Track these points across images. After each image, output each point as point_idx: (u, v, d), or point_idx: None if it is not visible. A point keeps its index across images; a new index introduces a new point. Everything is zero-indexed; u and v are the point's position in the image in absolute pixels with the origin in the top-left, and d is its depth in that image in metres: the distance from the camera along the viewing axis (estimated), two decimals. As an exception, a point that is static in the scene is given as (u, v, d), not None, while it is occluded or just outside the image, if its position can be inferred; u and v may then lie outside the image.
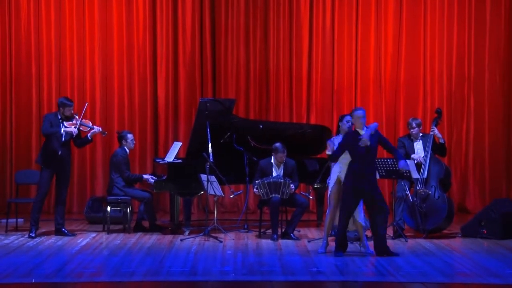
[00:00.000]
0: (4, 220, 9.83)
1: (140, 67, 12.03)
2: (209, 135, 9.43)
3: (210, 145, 9.37)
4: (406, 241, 8.81)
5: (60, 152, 9.11)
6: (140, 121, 12.01)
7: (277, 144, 9.21)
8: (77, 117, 9.25)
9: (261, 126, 10.09)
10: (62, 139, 9.12)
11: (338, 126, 8.58)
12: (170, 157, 9.75)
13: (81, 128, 9.26)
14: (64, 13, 11.89)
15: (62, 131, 9.11)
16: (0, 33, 11.84)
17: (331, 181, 8.29)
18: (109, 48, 11.99)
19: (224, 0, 12.05)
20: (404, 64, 12.11)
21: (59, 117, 9.21)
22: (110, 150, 11.58)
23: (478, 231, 9.16)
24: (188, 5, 12.03)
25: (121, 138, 9.86)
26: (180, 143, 10.11)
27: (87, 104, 9.87)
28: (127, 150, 9.83)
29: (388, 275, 7.03)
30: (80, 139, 9.39)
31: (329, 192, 8.32)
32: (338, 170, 8.15)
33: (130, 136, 9.91)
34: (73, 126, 9.13)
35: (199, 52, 12.09)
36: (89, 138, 9.39)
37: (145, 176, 9.73)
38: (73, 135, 9.12)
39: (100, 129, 9.46)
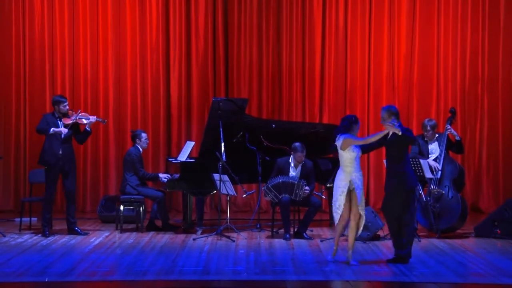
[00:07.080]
0: (18, 219, 9.89)
1: (153, 66, 12.06)
2: (221, 134, 9.43)
3: (222, 144, 9.37)
4: (419, 241, 8.77)
5: (60, 152, 9.12)
6: (153, 120, 12.03)
7: (297, 144, 9.18)
8: (73, 112, 9.27)
9: (273, 125, 10.07)
10: (61, 136, 9.12)
11: None
12: (183, 157, 9.76)
13: (79, 122, 9.28)
14: (77, 13, 11.94)
15: (51, 130, 9.07)
16: (14, 33, 11.90)
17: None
18: (122, 47, 12.02)
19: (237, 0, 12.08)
20: (418, 64, 12.07)
21: (56, 115, 9.23)
22: (123, 149, 11.61)
23: (492, 231, 9.13)
24: (201, 5, 12.04)
25: (135, 137, 9.87)
26: (193, 143, 10.12)
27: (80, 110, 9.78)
28: (140, 149, 9.84)
29: (401, 275, 7.01)
30: (80, 134, 9.43)
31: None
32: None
33: (144, 135, 9.92)
34: (63, 127, 9.09)
35: (211, 52, 12.09)
36: (88, 129, 9.40)
37: (161, 175, 9.74)
38: (61, 134, 9.08)
39: (95, 118, 9.44)
